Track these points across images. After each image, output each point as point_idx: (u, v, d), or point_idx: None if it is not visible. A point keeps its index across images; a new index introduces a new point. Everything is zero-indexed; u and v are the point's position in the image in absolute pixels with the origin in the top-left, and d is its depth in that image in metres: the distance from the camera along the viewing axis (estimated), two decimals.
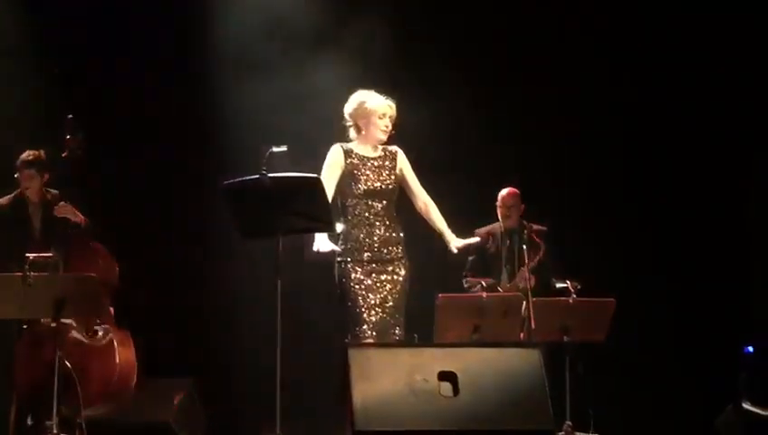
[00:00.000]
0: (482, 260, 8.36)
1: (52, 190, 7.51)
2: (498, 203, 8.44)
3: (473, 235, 8.27)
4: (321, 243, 6.64)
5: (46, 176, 7.49)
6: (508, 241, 8.36)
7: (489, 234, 8.42)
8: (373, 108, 6.86)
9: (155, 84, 9.08)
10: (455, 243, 6.92)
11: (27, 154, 7.47)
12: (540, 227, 8.31)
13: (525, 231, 8.00)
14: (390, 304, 6.74)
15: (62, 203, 7.28)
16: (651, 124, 9.17)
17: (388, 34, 8.98)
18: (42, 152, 7.50)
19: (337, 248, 6.73)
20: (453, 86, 9.00)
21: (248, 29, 9.02)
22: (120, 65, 9.09)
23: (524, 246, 7.75)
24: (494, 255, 8.38)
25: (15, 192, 7.54)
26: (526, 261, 7.69)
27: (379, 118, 6.87)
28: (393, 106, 6.91)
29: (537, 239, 7.97)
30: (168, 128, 9.16)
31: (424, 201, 6.97)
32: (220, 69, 9.12)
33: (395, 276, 6.79)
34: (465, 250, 7.07)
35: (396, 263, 6.81)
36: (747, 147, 9.05)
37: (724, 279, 8.97)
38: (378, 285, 6.75)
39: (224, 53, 9.10)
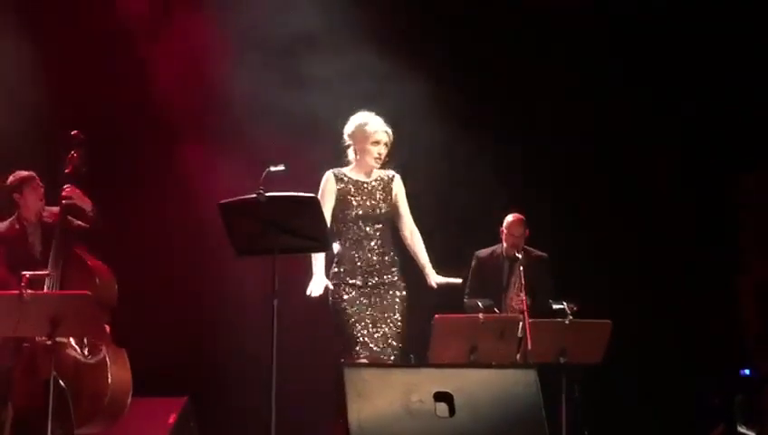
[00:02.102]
0: (481, 282, 8.35)
1: (49, 208, 7.43)
2: (505, 230, 8.40)
3: (472, 257, 8.31)
4: (315, 286, 6.67)
5: (41, 192, 7.40)
6: (509, 266, 8.33)
7: (491, 258, 8.43)
8: (368, 133, 6.86)
9: (157, 93, 9.12)
10: (434, 278, 6.88)
11: (18, 173, 7.39)
12: (539, 254, 8.32)
13: (522, 255, 7.99)
14: (384, 330, 6.73)
15: (67, 187, 7.19)
16: (647, 148, 9.18)
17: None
18: (33, 173, 7.44)
19: (330, 286, 6.74)
20: (454, 108, 9.03)
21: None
22: (122, 77, 9.13)
23: (521, 268, 7.74)
24: (495, 278, 8.36)
25: (13, 216, 7.43)
26: (523, 283, 7.67)
27: (373, 144, 6.86)
28: (390, 132, 6.89)
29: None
30: (166, 140, 9.17)
31: (411, 230, 6.96)
32: (225, 77, 9.14)
33: (386, 302, 6.77)
34: (444, 287, 6.97)
35: (389, 287, 6.79)
36: (737, 169, 9.06)
37: (720, 301, 8.97)
38: (370, 309, 6.74)
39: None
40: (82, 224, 7.28)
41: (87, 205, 7.24)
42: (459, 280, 7.04)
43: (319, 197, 6.77)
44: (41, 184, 7.41)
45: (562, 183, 9.17)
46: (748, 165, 9.00)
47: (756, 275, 9.02)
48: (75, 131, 7.34)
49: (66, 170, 7.24)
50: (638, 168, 9.21)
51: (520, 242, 8.30)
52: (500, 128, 9.12)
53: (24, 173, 7.42)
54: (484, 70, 9.18)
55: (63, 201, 7.20)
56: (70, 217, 7.26)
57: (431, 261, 6.95)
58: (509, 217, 8.41)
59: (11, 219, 7.44)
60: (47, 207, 7.43)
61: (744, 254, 9.11)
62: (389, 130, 6.90)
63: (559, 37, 9.13)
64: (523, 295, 7.57)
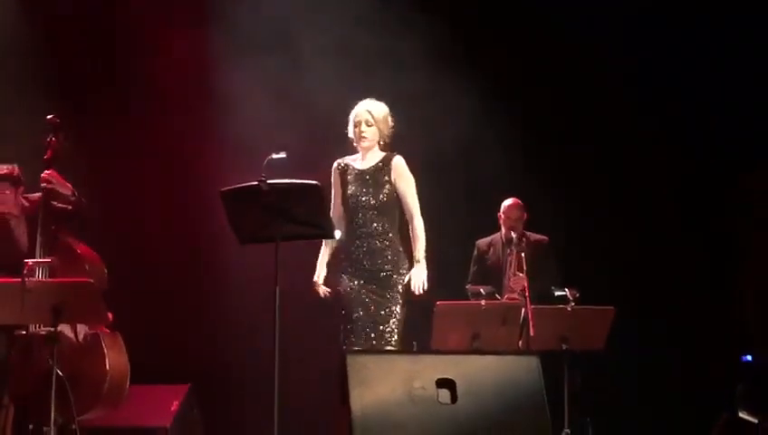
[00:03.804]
0: (482, 270, 8.36)
1: (31, 196, 7.27)
2: (502, 214, 8.39)
3: (474, 246, 8.34)
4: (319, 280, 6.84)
5: (21, 189, 7.27)
6: (509, 251, 8.33)
7: (490, 245, 8.43)
8: (351, 117, 6.86)
9: (160, 84, 9.12)
10: (413, 273, 6.76)
11: None
12: (539, 238, 8.31)
13: (524, 239, 8.01)
14: (382, 319, 6.71)
15: (46, 173, 7.07)
16: (650, 137, 9.17)
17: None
18: (15, 167, 7.36)
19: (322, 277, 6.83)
20: (458, 95, 9.03)
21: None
22: (120, 65, 9.13)
23: (523, 254, 7.74)
24: (495, 265, 8.36)
25: None
26: (524, 268, 7.67)
27: (354, 126, 6.86)
28: (372, 110, 6.84)
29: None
30: (167, 129, 9.17)
31: (410, 216, 6.88)
32: (229, 69, 9.14)
33: (386, 291, 6.74)
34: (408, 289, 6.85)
35: (390, 274, 6.77)
36: (736, 164, 9.06)
37: (722, 289, 8.97)
38: (369, 297, 6.73)
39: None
40: (65, 206, 7.21)
41: (67, 189, 7.15)
42: (421, 291, 6.82)
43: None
44: (8, 186, 7.18)
45: (563, 177, 9.14)
46: (748, 164, 9.00)
47: (756, 273, 9.03)
48: (51, 116, 7.20)
49: (45, 156, 7.12)
50: (638, 166, 9.19)
51: (517, 225, 8.26)
52: (501, 121, 9.11)
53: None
54: (484, 67, 9.18)
55: (43, 186, 7.07)
56: (52, 202, 7.17)
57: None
58: (506, 202, 8.39)
59: None
60: (28, 195, 7.34)
61: (743, 238, 9.11)
62: (372, 108, 6.85)
63: (559, 36, 9.13)
64: (520, 275, 7.58)
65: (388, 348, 6.68)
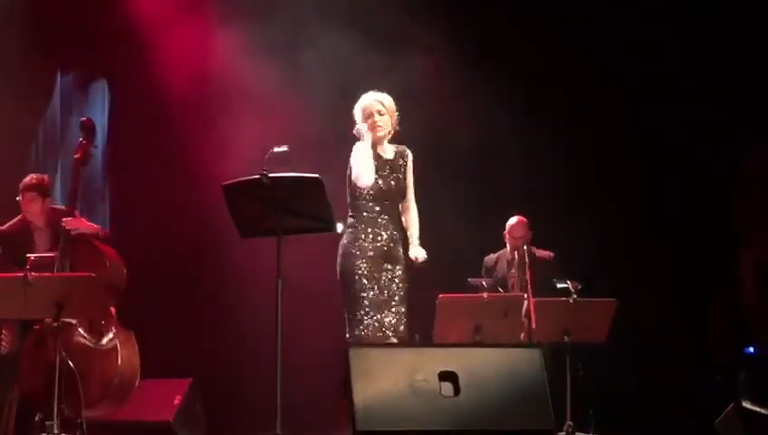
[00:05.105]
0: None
1: (58, 206, 7.44)
2: (507, 234, 8.45)
3: (483, 264, 8.47)
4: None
5: (48, 200, 7.44)
6: (512, 272, 8.33)
7: (497, 262, 8.45)
8: (361, 109, 6.86)
9: (159, 82, 9.12)
10: (414, 251, 6.79)
11: (30, 178, 7.45)
12: (544, 254, 8.31)
13: (527, 261, 7.97)
14: (390, 304, 6.70)
15: (68, 220, 7.17)
16: (653, 133, 9.17)
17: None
18: (46, 177, 7.49)
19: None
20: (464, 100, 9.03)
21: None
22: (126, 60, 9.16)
23: (527, 277, 7.74)
24: (503, 281, 8.37)
25: (20, 216, 7.47)
26: (529, 288, 7.68)
27: (367, 117, 6.84)
28: (384, 101, 6.83)
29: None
30: (172, 126, 9.18)
31: (410, 205, 6.92)
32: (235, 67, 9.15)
33: (392, 282, 6.73)
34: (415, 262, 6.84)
35: (395, 263, 6.76)
36: (737, 163, 9.06)
37: (723, 284, 8.97)
38: (377, 286, 6.72)
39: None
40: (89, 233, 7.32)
41: (94, 230, 7.32)
42: (424, 256, 6.80)
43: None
44: (36, 196, 7.38)
45: (564, 174, 9.15)
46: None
47: (756, 247, 9.01)
48: (85, 118, 7.39)
49: (76, 156, 7.27)
50: (649, 151, 9.18)
51: (521, 243, 8.28)
52: (504, 120, 9.12)
53: (27, 180, 7.45)
54: (486, 66, 9.18)
55: (71, 233, 7.16)
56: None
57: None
58: (511, 220, 8.44)
59: (19, 217, 7.47)
60: (56, 206, 7.44)
61: (743, 225, 9.09)
62: (384, 100, 6.84)
63: (560, 36, 9.13)
64: (526, 277, 7.60)
65: (399, 329, 6.69)
